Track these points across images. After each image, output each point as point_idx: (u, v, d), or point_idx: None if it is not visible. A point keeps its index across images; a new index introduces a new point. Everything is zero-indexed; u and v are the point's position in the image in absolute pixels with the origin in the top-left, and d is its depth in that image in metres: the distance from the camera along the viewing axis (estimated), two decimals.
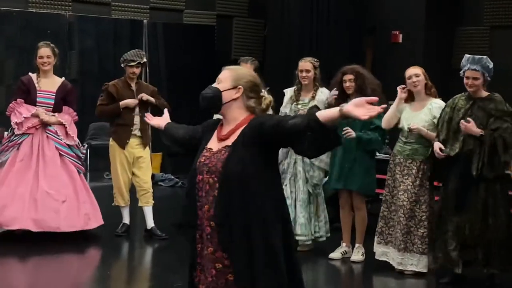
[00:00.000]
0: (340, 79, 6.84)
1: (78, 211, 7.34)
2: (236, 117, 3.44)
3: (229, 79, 3.50)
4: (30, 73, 7.47)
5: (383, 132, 6.87)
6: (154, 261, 7.35)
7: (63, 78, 7.59)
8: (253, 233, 3.26)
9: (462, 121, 6.02)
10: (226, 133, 3.44)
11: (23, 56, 10.23)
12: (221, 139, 3.45)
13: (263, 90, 3.51)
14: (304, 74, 7.13)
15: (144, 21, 11.94)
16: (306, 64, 7.15)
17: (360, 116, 3.02)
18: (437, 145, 6.17)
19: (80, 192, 7.41)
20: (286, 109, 7.24)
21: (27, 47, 9.79)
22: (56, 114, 7.40)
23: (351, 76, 6.80)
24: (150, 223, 7.70)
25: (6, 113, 7.39)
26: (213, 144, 3.49)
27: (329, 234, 7.25)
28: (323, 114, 3.12)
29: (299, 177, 7.15)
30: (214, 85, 3.57)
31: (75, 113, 7.57)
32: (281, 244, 3.30)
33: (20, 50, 10.65)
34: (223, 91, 3.47)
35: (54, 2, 11.16)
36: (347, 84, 6.80)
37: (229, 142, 3.40)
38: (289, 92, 7.33)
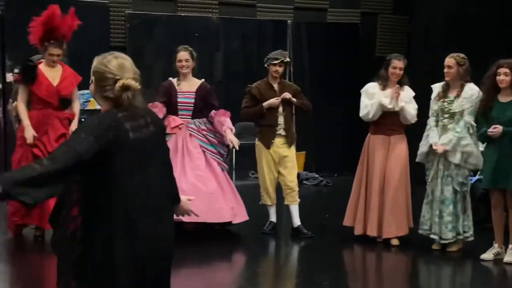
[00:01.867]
0: (494, 72, 6.66)
1: (226, 204, 7.51)
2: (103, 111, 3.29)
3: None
4: (170, 78, 7.74)
5: None
6: (301, 259, 7.43)
7: (203, 80, 7.76)
8: None
9: None
10: None
11: (171, 59, 10.55)
12: None
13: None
14: (446, 70, 7.03)
15: (288, 21, 12.06)
16: (449, 60, 7.03)
17: None
18: None
19: (224, 187, 7.59)
20: (434, 105, 7.15)
21: (175, 51, 10.10)
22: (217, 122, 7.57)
23: (506, 70, 6.59)
24: (297, 221, 7.77)
25: None
26: None
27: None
28: None
29: (439, 175, 7.03)
30: None
31: (228, 112, 7.70)
32: None
33: (169, 54, 10.98)
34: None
35: (201, 6, 11.49)
36: (501, 77, 6.61)
37: None
38: (436, 88, 7.22)
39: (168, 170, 3.42)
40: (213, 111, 7.64)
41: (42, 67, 7.22)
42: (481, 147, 7.04)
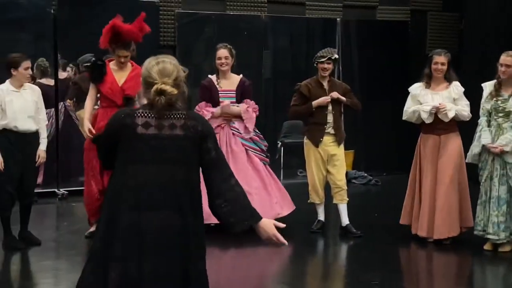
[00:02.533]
0: None
1: (270, 202, 7.58)
2: None
3: None
4: (209, 75, 7.82)
5: None
6: (349, 258, 7.42)
7: (241, 75, 7.86)
8: None
9: None
10: None
11: None
12: None
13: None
14: (503, 69, 6.93)
15: (337, 19, 12.02)
16: (506, 59, 6.94)
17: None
18: None
19: (267, 183, 7.67)
20: (486, 104, 7.05)
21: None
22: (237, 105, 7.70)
23: None
24: (345, 220, 7.77)
25: None
26: None
27: None
28: None
29: (494, 175, 6.94)
30: None
31: (256, 105, 7.80)
32: None
33: None
34: None
35: (250, 4, 11.52)
36: None
37: None
38: (488, 86, 7.14)
39: (191, 174, 3.52)
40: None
41: (112, 66, 7.35)
42: None
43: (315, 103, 7.63)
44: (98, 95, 7.44)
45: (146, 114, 3.50)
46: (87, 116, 7.32)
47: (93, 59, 7.51)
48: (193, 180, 3.54)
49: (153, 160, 3.47)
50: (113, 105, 7.29)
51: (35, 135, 7.08)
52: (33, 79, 7.80)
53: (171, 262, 3.45)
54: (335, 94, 7.62)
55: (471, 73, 8.35)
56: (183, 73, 3.56)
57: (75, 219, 7.58)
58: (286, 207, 7.76)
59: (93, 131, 7.16)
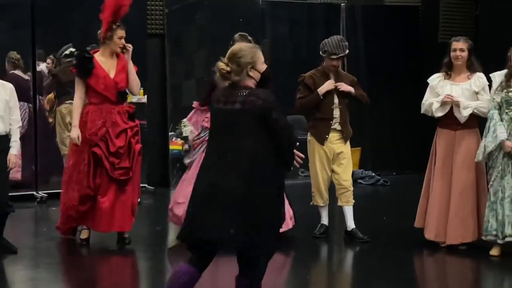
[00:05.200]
0: None
1: None
2: None
3: None
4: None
5: None
6: (356, 266, 7.41)
7: None
8: None
9: None
10: None
11: (215, 47, 10.58)
12: None
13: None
14: None
15: (342, 4, 12.00)
16: None
17: None
18: None
19: None
20: (497, 96, 7.02)
21: (219, 37, 10.13)
22: None
23: None
24: (351, 224, 7.74)
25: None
26: None
27: None
28: None
29: (507, 172, 6.93)
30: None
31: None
32: None
33: (212, 41, 11.05)
34: None
35: None
36: None
37: None
38: (497, 76, 7.13)
39: (249, 144, 4.62)
40: None
41: (98, 57, 7.29)
42: None
43: (321, 89, 7.56)
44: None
45: (222, 90, 4.78)
46: (76, 122, 7.21)
47: (77, 51, 7.40)
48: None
49: (224, 134, 4.76)
50: (106, 101, 7.24)
51: (4, 138, 6.95)
52: None
53: None
54: (343, 86, 7.55)
55: (487, 63, 8.30)
56: (245, 52, 4.70)
57: (55, 225, 7.55)
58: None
59: (79, 144, 7.13)
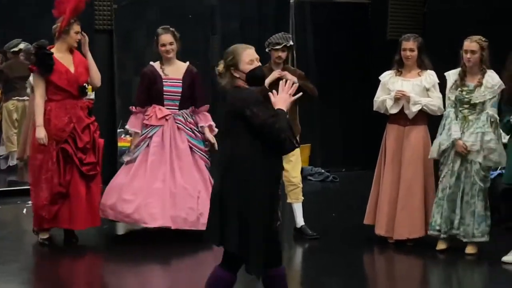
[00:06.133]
0: None
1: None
2: None
3: None
4: (151, 62, 7.72)
5: None
6: (305, 263, 7.46)
7: (188, 63, 7.78)
8: None
9: None
10: None
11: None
12: None
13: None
14: (468, 55, 7.00)
15: (291, 1, 12.04)
16: (471, 44, 7.01)
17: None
18: None
19: (209, 186, 7.59)
20: (451, 95, 7.12)
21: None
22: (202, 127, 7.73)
23: None
24: (300, 221, 7.80)
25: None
26: None
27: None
28: None
29: (456, 170, 7.06)
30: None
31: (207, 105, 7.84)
32: None
33: None
34: None
35: None
36: None
37: None
38: (451, 75, 7.22)
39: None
40: (192, 108, 7.74)
41: (55, 53, 7.25)
42: (505, 139, 7.05)
43: (267, 80, 7.55)
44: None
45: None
46: (41, 122, 7.14)
47: (36, 48, 7.31)
48: None
49: (225, 136, 4.86)
50: (69, 97, 7.22)
51: None
52: None
53: None
54: (288, 75, 7.44)
55: (435, 60, 8.42)
56: (228, 54, 4.76)
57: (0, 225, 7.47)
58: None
59: (46, 144, 7.07)
